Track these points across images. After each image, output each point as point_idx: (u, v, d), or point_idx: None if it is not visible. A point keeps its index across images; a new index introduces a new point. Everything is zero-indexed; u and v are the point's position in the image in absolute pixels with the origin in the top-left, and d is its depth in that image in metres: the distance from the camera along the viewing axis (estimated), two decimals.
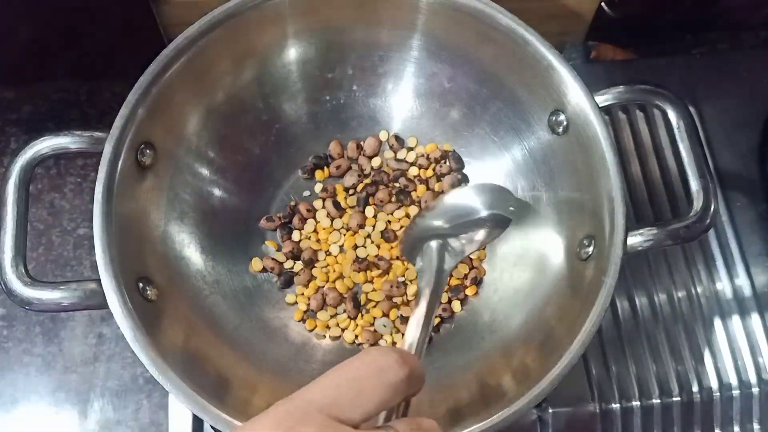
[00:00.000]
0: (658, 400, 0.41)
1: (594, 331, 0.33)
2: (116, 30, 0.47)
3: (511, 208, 0.38)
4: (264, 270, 0.43)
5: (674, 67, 0.51)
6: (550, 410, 0.41)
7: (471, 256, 0.43)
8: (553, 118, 0.39)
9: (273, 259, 0.43)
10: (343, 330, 0.42)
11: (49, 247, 0.48)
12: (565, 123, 0.38)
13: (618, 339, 0.43)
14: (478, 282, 0.43)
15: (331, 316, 0.42)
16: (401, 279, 0.43)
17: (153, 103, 0.37)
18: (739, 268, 0.45)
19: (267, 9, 0.39)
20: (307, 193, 0.45)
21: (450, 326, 0.42)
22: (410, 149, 0.46)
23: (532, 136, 0.41)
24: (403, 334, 0.41)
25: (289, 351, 0.41)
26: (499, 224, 0.38)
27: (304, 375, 0.40)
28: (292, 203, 0.44)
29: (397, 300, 0.43)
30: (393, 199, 0.45)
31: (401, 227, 0.44)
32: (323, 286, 0.43)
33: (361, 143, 0.46)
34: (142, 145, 0.37)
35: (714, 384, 0.42)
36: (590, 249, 0.36)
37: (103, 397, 0.44)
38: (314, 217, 0.44)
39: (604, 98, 0.37)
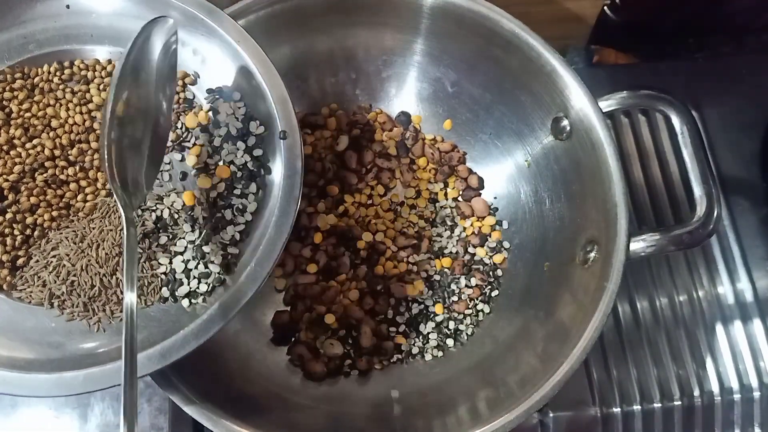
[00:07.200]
0: (659, 404, 0.41)
1: (596, 336, 0.33)
2: None
3: None
4: None
5: (677, 71, 0.51)
6: (552, 414, 0.41)
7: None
8: (556, 123, 0.39)
9: None
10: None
11: None
12: (568, 128, 0.38)
13: (619, 343, 0.43)
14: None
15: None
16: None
17: None
18: (741, 272, 0.45)
19: (269, 13, 0.39)
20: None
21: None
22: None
23: (535, 140, 0.41)
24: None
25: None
26: None
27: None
28: None
29: None
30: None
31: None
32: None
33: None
34: None
35: (715, 388, 0.42)
36: (592, 254, 0.36)
37: (104, 401, 0.44)
38: None
39: (607, 104, 0.37)
